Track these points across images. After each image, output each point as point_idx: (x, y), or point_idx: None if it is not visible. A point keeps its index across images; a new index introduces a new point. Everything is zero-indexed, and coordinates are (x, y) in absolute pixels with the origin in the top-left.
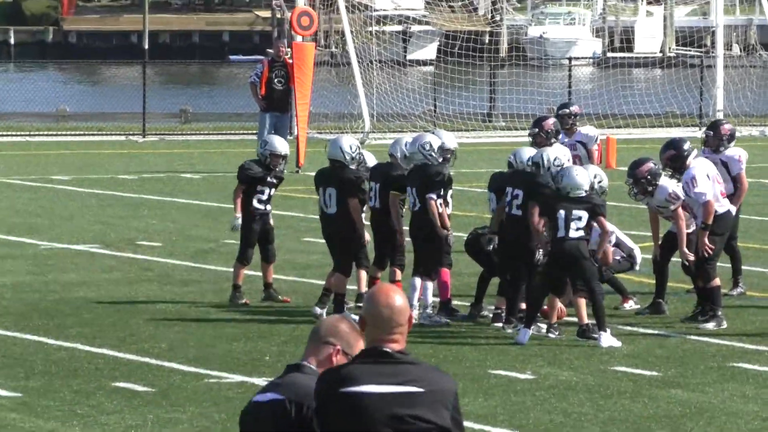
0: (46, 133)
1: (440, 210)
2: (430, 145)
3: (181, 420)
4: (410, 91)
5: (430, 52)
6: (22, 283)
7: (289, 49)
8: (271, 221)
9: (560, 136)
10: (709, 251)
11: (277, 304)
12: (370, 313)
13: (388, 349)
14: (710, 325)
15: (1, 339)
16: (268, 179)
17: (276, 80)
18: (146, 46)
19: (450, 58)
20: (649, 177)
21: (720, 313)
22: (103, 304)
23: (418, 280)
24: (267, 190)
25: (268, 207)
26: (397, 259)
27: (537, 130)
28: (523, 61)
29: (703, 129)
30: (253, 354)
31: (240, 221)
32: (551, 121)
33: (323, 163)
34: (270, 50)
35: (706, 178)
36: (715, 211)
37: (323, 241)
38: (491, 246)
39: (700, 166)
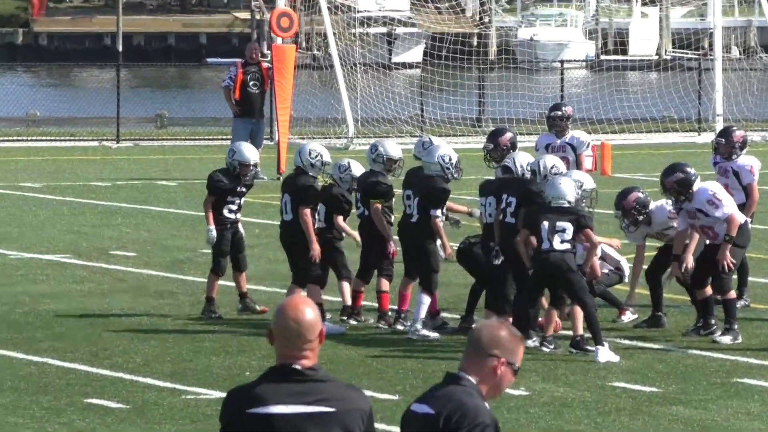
0: (15, 138)
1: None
2: (450, 159)
3: None
4: (396, 95)
5: (416, 54)
6: None
7: (268, 52)
8: (242, 229)
9: (547, 140)
10: (732, 265)
11: (256, 316)
12: (279, 326)
13: (297, 366)
14: (727, 339)
15: None
16: (238, 189)
17: (251, 83)
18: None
19: (437, 61)
20: (637, 206)
21: (736, 326)
22: (74, 317)
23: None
24: (237, 200)
25: (238, 215)
26: (385, 268)
27: (492, 145)
28: (513, 64)
29: (714, 136)
30: (232, 369)
31: (214, 233)
32: (508, 135)
33: None
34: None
35: (725, 193)
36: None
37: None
38: (499, 260)
39: (713, 185)
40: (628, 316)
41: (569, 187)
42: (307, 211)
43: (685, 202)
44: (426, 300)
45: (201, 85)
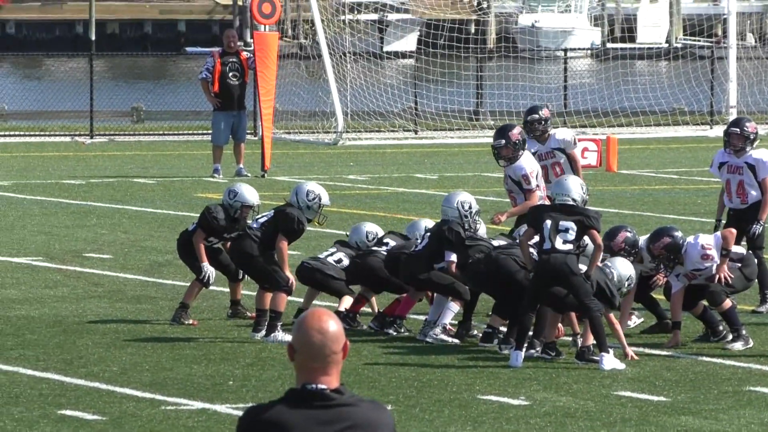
0: None
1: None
2: (470, 206)
3: None
4: (388, 86)
5: (409, 43)
6: None
7: (252, 40)
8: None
9: (527, 145)
10: (728, 279)
11: (241, 322)
12: (301, 340)
13: (323, 387)
14: (738, 345)
15: None
16: (225, 235)
17: (230, 75)
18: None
19: (432, 50)
20: (626, 247)
21: (744, 331)
22: (47, 324)
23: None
24: (218, 241)
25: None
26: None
27: (504, 141)
28: (513, 53)
29: (724, 128)
30: (215, 378)
31: (212, 271)
32: (517, 130)
33: (291, 167)
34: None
35: (711, 238)
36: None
37: (296, 252)
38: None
39: (701, 237)
40: (634, 321)
41: (575, 184)
42: (285, 243)
43: (677, 266)
44: (455, 308)
45: (180, 77)
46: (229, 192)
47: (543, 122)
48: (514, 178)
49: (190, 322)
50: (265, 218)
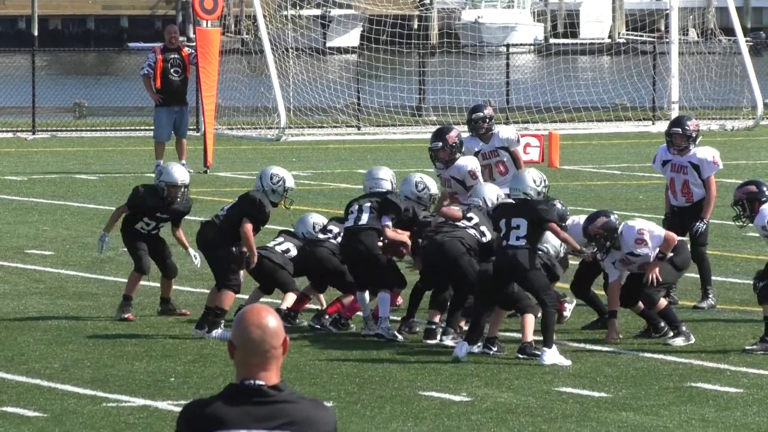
0: None
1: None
2: (425, 186)
3: None
4: (331, 82)
5: (352, 38)
6: None
7: (193, 36)
8: (162, 237)
9: (471, 145)
10: (657, 280)
11: (183, 319)
12: (240, 335)
13: (261, 383)
14: (679, 341)
15: None
16: (158, 214)
17: (172, 70)
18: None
19: (375, 46)
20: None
21: (684, 328)
22: None
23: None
24: (154, 224)
25: (155, 232)
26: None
27: (441, 144)
28: (456, 48)
29: (665, 128)
30: (156, 374)
31: (107, 239)
32: (454, 132)
33: (234, 162)
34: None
35: (651, 225)
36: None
37: None
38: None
39: (638, 222)
40: (568, 309)
41: (528, 178)
42: (250, 226)
43: (612, 249)
44: (388, 298)
45: (123, 72)
46: (157, 171)
47: (487, 120)
48: (459, 177)
49: (127, 316)
50: (229, 206)
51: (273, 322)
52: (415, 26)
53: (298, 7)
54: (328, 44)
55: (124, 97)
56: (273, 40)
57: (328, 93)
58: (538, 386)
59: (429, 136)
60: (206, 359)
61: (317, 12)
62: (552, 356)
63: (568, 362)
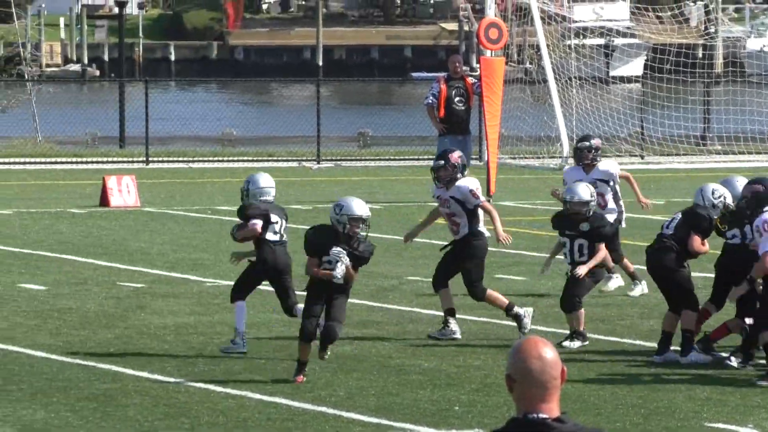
0: (210, 159)
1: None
2: (721, 195)
3: None
4: (614, 111)
5: (636, 67)
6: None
7: (478, 65)
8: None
9: (573, 175)
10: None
11: (466, 348)
12: (519, 367)
13: (544, 416)
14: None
15: None
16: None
17: (456, 99)
18: (320, 63)
19: (658, 75)
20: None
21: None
22: (275, 348)
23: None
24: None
25: None
26: None
27: (443, 162)
28: (741, 77)
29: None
30: (440, 403)
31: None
32: (457, 154)
33: (516, 192)
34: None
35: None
36: None
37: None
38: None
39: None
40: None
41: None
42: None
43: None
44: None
45: (405, 101)
46: (335, 206)
47: (593, 150)
48: (459, 197)
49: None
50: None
51: (550, 353)
52: (700, 55)
53: (581, 37)
54: (611, 73)
55: (408, 127)
56: (556, 69)
57: (611, 122)
58: None
59: (714, 165)
60: (490, 388)
61: (601, 41)
62: None
63: None
